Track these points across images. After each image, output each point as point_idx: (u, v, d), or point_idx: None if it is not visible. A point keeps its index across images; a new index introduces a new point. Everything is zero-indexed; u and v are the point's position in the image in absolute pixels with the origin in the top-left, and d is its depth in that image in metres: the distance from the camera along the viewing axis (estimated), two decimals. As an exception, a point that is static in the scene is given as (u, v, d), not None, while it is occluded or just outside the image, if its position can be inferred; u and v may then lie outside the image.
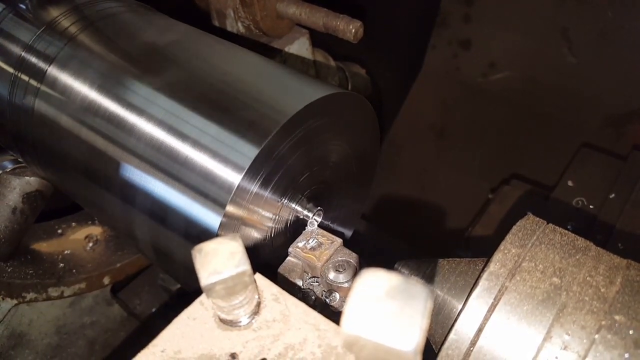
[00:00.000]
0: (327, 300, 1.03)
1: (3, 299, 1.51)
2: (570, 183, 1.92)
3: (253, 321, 0.74)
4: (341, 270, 1.03)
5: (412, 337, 0.48)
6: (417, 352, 0.49)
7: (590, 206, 1.82)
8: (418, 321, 0.49)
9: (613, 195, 1.81)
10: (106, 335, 1.81)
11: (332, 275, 1.03)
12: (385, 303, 0.50)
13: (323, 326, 0.74)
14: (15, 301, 1.54)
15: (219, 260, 0.66)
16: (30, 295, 1.56)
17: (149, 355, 0.71)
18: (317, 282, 1.05)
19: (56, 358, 1.69)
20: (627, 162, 1.93)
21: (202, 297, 0.77)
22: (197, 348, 0.72)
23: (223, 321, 0.74)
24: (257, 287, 0.77)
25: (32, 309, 1.61)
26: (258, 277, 0.79)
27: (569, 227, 1.71)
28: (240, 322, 0.74)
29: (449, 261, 0.99)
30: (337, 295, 1.03)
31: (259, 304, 0.76)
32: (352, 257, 1.05)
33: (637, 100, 2.29)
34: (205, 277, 0.66)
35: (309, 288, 1.05)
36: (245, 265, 0.67)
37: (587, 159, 2.02)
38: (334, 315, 1.01)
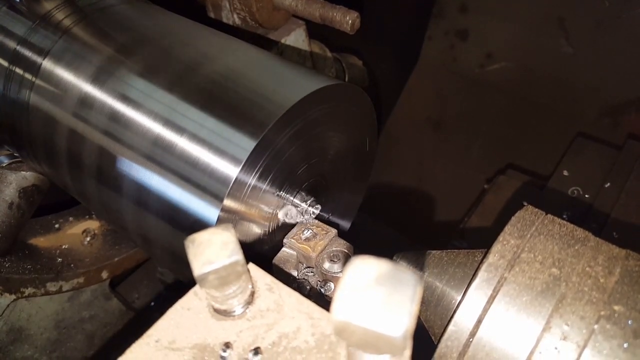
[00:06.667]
0: (322, 290, 1.03)
1: (1, 294, 1.51)
2: (565, 172, 1.92)
3: (247, 311, 0.74)
4: (336, 260, 1.03)
5: (401, 323, 0.48)
6: (407, 338, 0.49)
7: (586, 195, 1.83)
8: (407, 307, 0.49)
9: (608, 184, 1.82)
10: (105, 329, 1.81)
11: (326, 265, 1.03)
12: (375, 289, 0.50)
13: (317, 315, 0.74)
14: (13, 296, 1.54)
15: (212, 250, 0.66)
16: (29, 290, 1.56)
17: (144, 346, 0.71)
18: (312, 272, 1.06)
19: (55, 352, 1.69)
20: (623, 151, 1.94)
21: (196, 288, 0.77)
22: (191, 338, 0.72)
23: (217, 311, 0.74)
24: (250, 277, 0.77)
25: (30, 304, 1.61)
26: (252, 267, 0.80)
27: (564, 216, 1.73)
28: (234, 311, 0.74)
29: (447, 253, 0.99)
30: (332, 285, 1.04)
31: (252, 294, 0.76)
32: (346, 247, 1.05)
33: (633, 89, 2.29)
34: (198, 267, 0.66)
35: (304, 278, 1.05)
36: (238, 255, 0.67)
37: (582, 148, 2.02)
38: (328, 304, 1.01)
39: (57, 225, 1.77)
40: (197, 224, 0.98)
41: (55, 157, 1.26)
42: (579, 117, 2.40)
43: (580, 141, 2.06)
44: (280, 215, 1.11)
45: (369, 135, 1.31)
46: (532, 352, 0.79)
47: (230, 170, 0.95)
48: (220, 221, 0.96)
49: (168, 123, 1.03)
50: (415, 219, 2.69)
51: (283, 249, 1.08)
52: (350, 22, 1.66)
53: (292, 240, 1.07)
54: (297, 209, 1.13)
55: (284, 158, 1.04)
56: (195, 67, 1.12)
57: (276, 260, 1.07)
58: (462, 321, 0.85)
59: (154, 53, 1.17)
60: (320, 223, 1.11)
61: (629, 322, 0.76)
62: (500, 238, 0.89)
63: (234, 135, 0.97)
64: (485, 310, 0.83)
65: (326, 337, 0.71)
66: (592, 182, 1.85)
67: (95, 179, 1.17)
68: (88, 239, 1.76)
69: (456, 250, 0.99)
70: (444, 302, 0.94)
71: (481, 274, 0.86)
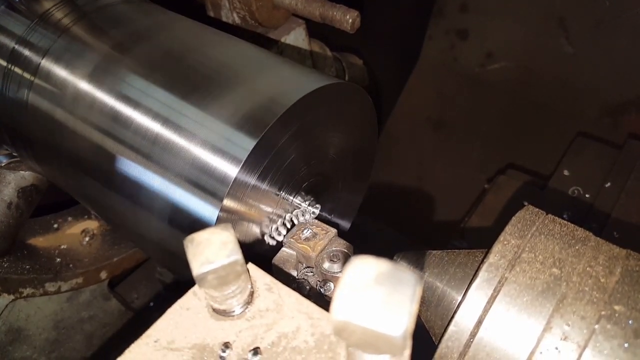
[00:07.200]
0: (321, 290, 1.03)
1: (0, 295, 1.50)
2: (566, 172, 1.92)
3: (246, 311, 0.74)
4: (335, 260, 1.03)
5: (401, 322, 0.48)
6: (406, 337, 0.49)
7: (586, 195, 1.83)
8: (407, 306, 0.49)
9: (609, 184, 1.82)
10: (104, 329, 1.81)
11: (326, 265, 1.03)
12: (374, 289, 0.50)
13: (316, 315, 0.74)
14: (12, 297, 1.53)
15: (211, 250, 0.66)
16: (28, 291, 1.56)
17: (143, 346, 0.71)
18: (311, 272, 1.05)
19: (54, 353, 1.69)
20: (623, 151, 1.94)
21: (195, 288, 0.77)
22: (190, 338, 0.72)
23: (216, 311, 0.74)
24: (250, 277, 0.77)
25: (29, 304, 1.60)
26: (251, 267, 0.79)
27: (564, 216, 1.73)
28: (234, 311, 0.74)
29: (448, 253, 0.99)
30: (332, 285, 1.03)
31: (252, 294, 0.76)
32: (346, 247, 1.05)
33: (633, 89, 2.29)
34: (197, 267, 0.65)
35: (303, 278, 1.05)
36: (237, 255, 0.66)
37: (583, 148, 2.03)
38: (328, 304, 1.01)
39: (55, 225, 1.77)
40: (197, 224, 0.98)
41: (54, 157, 1.25)
42: (579, 117, 2.40)
43: (580, 141, 2.06)
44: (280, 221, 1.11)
45: (369, 135, 1.30)
46: (532, 352, 0.79)
47: (230, 169, 0.94)
48: (219, 221, 0.96)
49: (167, 122, 1.03)
50: (415, 219, 2.68)
51: (283, 248, 1.08)
52: (350, 21, 1.66)
53: (292, 240, 1.07)
54: (297, 210, 1.12)
55: (284, 157, 1.03)
56: (195, 66, 1.11)
57: (276, 260, 1.07)
58: (462, 321, 0.85)
59: (153, 52, 1.16)
60: (320, 223, 1.10)
61: (630, 322, 0.76)
62: (501, 238, 0.88)
63: (233, 135, 0.97)
64: (485, 311, 0.83)
65: (326, 337, 0.71)
66: (592, 182, 1.85)
67: (93, 179, 1.16)
68: (87, 239, 1.76)
69: (456, 250, 0.99)
70: (444, 302, 0.93)
71: (482, 274, 0.85)
